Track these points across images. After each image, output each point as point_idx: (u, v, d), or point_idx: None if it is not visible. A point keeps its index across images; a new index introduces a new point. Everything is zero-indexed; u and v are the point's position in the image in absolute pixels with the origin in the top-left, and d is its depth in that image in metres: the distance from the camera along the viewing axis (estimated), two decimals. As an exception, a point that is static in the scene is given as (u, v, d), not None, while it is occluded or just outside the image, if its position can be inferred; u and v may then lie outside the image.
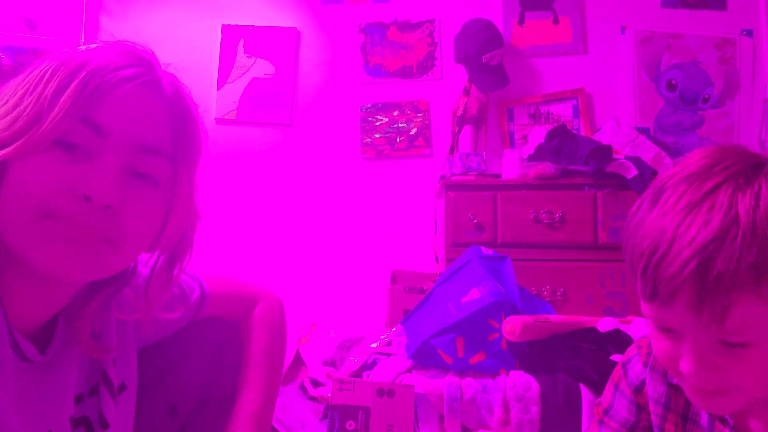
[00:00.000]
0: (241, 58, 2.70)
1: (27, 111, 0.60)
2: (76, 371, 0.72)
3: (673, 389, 0.78)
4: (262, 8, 2.73)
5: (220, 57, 2.70)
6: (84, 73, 0.62)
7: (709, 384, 0.64)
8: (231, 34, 2.71)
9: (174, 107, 0.68)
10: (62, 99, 0.60)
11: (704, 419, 0.76)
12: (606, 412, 0.90)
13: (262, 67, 2.70)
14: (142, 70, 0.66)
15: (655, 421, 0.81)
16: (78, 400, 0.73)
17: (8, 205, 0.60)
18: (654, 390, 0.81)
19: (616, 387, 0.89)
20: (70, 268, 0.61)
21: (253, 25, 2.71)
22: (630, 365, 0.86)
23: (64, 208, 0.59)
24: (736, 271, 0.56)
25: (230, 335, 0.97)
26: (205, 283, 0.95)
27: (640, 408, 0.86)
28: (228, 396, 0.94)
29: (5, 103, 0.62)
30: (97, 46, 0.66)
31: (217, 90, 2.69)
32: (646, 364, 0.82)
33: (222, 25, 2.71)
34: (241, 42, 2.70)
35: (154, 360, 0.89)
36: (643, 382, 0.84)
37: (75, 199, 0.60)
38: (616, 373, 0.89)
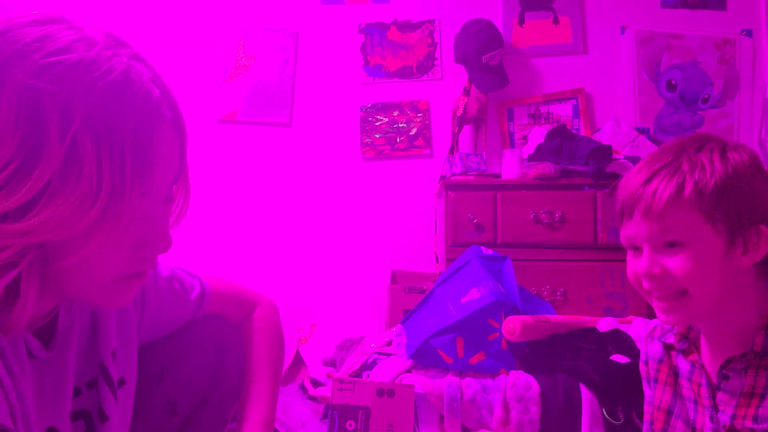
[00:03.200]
0: (242, 58, 2.70)
1: (104, 191, 0.56)
2: (74, 366, 0.72)
3: (666, 348, 0.99)
4: (262, 8, 2.73)
5: (220, 57, 2.70)
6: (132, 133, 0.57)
7: (659, 287, 0.84)
8: (231, 34, 2.71)
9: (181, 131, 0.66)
10: (134, 174, 0.57)
11: (684, 367, 0.95)
12: (669, 413, 0.99)
13: (263, 67, 2.70)
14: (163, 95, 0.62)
15: (652, 374, 1.02)
16: (76, 393, 0.73)
17: (87, 274, 0.61)
18: (654, 351, 1.02)
19: (655, 381, 1.03)
20: (128, 301, 0.68)
21: (253, 26, 2.71)
22: (648, 350, 1.04)
23: (137, 269, 0.65)
24: (664, 191, 0.82)
25: (232, 335, 0.96)
26: (205, 282, 0.95)
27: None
28: (228, 395, 0.94)
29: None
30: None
31: (218, 90, 2.69)
32: (650, 338, 1.03)
33: (222, 25, 2.71)
34: (242, 42, 2.70)
35: (155, 357, 0.89)
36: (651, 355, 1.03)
37: (144, 260, 0.64)
38: (642, 370, 1.06)
